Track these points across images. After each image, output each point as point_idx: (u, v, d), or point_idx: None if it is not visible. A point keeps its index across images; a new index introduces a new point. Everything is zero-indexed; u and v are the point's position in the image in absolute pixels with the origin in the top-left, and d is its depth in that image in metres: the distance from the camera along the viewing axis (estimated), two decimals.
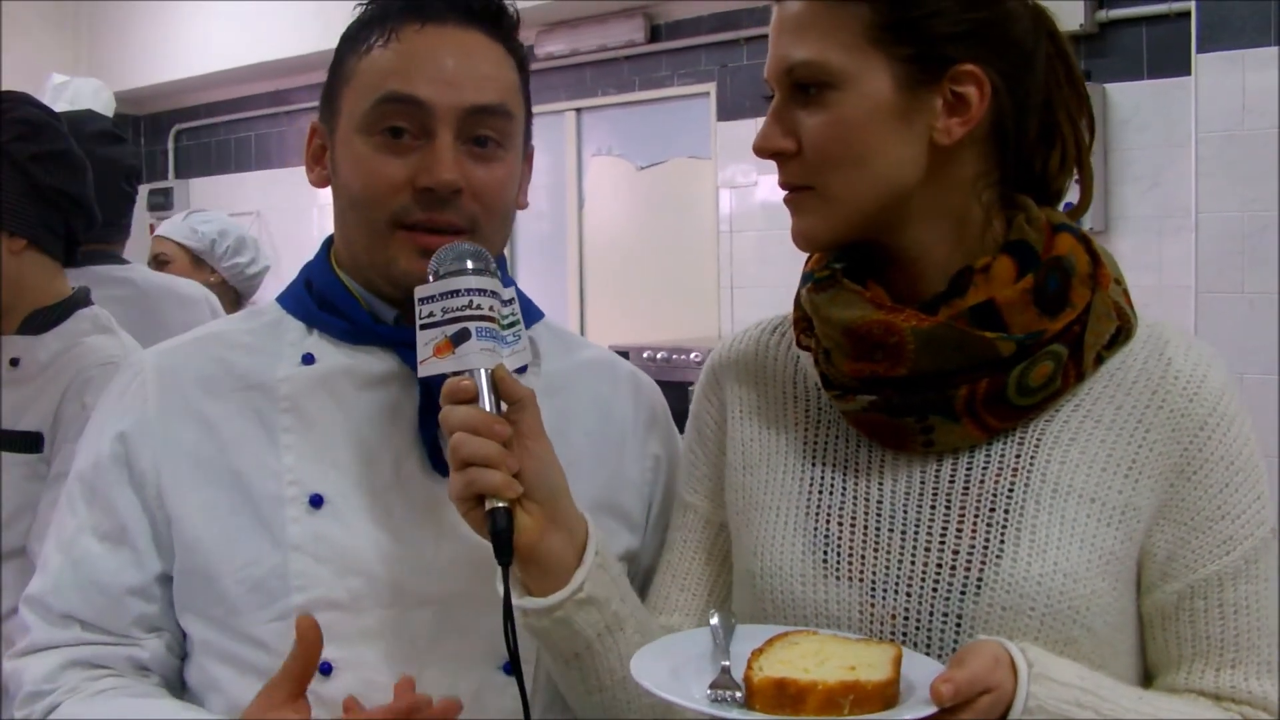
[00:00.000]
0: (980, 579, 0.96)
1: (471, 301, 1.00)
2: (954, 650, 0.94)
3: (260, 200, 6.23)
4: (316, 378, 1.14)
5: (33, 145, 1.75)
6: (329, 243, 1.21)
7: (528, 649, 1.05)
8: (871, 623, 0.99)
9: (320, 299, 1.17)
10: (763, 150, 1.01)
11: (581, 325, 5.03)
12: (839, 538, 1.02)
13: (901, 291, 1.02)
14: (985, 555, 0.96)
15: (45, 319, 1.78)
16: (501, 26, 1.15)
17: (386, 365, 1.14)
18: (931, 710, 0.82)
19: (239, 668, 1.07)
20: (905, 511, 1.01)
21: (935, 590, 0.97)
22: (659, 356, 4.11)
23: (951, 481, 1.00)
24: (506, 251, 1.21)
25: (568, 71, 4.95)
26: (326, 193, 1.19)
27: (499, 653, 1.00)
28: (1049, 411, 1.00)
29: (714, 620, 0.96)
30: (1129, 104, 3.53)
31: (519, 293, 1.17)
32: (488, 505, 0.97)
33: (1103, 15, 3.56)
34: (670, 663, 0.91)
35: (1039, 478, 0.98)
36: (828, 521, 1.03)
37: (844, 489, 1.04)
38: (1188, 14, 3.33)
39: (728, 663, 0.90)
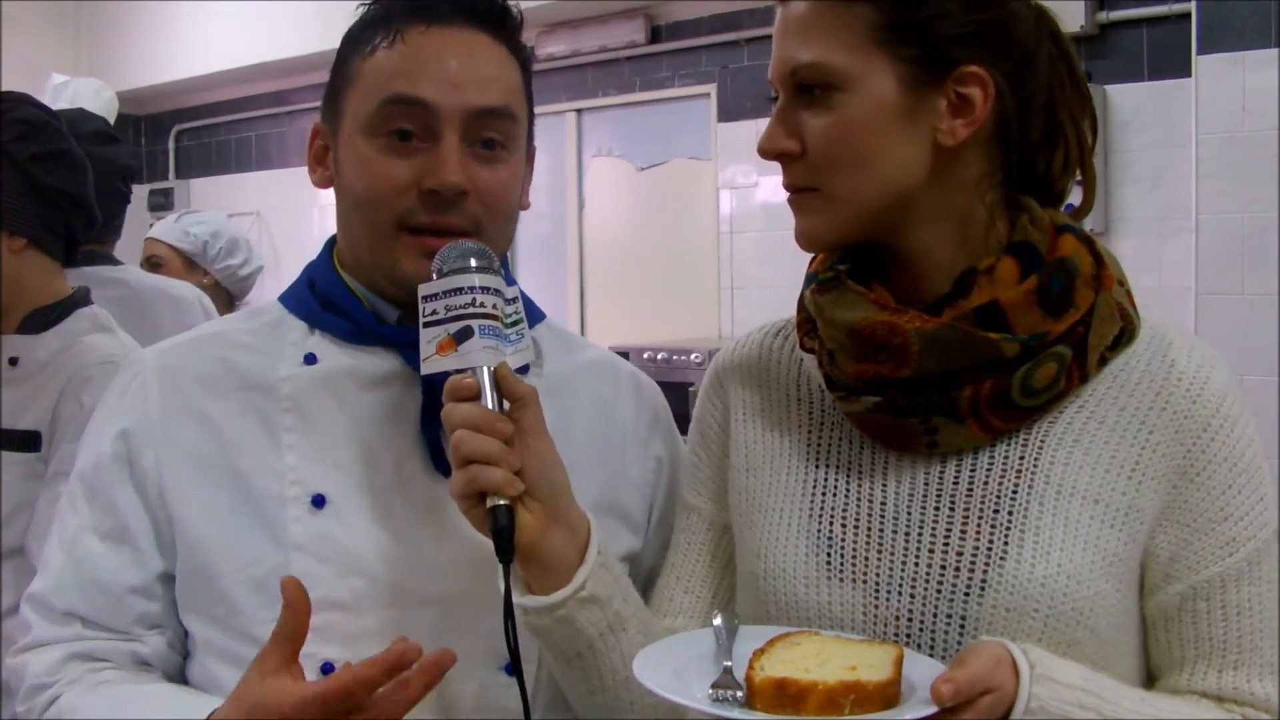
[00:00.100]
0: (984, 580, 0.96)
1: (475, 299, 1.00)
2: (958, 652, 0.94)
3: (261, 201, 6.23)
4: (319, 378, 1.14)
5: (33, 145, 1.75)
6: (332, 243, 1.21)
7: (529, 649, 1.05)
8: (875, 624, 0.99)
9: (323, 299, 1.17)
10: (767, 151, 1.01)
11: (581, 326, 5.03)
12: (842, 539, 1.02)
13: (905, 293, 1.02)
14: (989, 557, 0.96)
15: (44, 318, 1.78)
16: (505, 28, 1.15)
17: (389, 365, 1.14)
18: (932, 710, 0.82)
19: (241, 667, 1.06)
20: (909, 513, 1.01)
21: (939, 592, 0.97)
22: (659, 357, 4.11)
23: (955, 483, 1.00)
24: (508, 252, 1.21)
25: (568, 72, 4.95)
26: (327, 193, 1.19)
27: (501, 653, 1.00)
28: (1052, 413, 1.00)
29: (717, 621, 0.96)
30: (1129, 105, 3.53)
31: (521, 293, 1.17)
32: (489, 503, 0.97)
33: (1103, 16, 3.57)
34: (673, 663, 0.91)
35: (1043, 479, 0.98)
36: (831, 523, 1.03)
37: (847, 491, 1.04)
38: (1188, 15, 3.33)
39: (730, 663, 0.90)
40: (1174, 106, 3.42)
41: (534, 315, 1.23)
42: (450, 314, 1.00)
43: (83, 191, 1.83)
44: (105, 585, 1.11)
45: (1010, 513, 0.97)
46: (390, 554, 1.09)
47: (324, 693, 0.91)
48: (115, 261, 2.54)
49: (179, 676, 1.15)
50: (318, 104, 1.20)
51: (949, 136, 0.98)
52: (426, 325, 1.00)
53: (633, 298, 4.90)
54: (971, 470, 1.00)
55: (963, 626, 0.96)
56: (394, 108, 1.09)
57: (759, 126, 1.01)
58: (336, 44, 1.18)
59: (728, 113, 4.53)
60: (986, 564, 0.96)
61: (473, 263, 1.02)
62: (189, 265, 3.19)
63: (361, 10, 1.17)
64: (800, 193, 1.02)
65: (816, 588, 1.02)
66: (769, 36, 1.03)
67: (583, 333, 4.86)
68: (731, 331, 4.52)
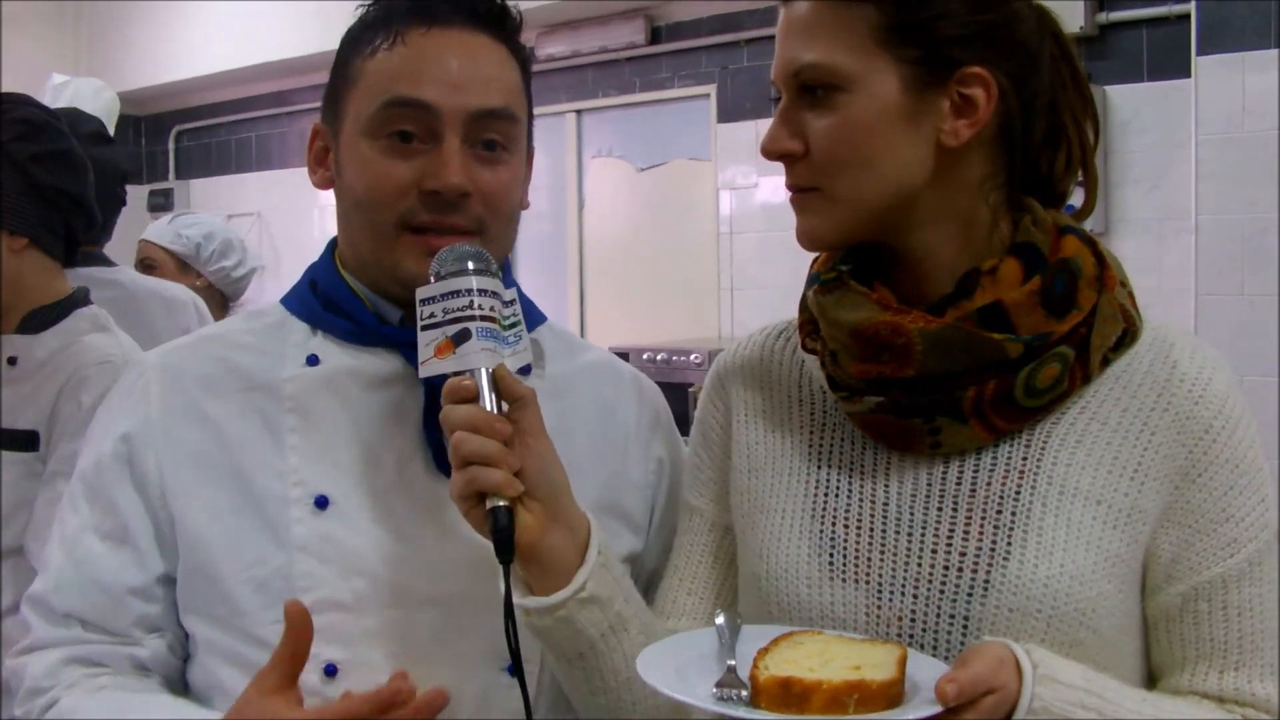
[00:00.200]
0: (987, 581, 0.96)
1: (472, 302, 1.00)
2: (960, 652, 0.94)
3: (261, 201, 6.24)
4: (321, 378, 1.14)
5: (34, 145, 1.75)
6: (333, 244, 1.21)
7: (531, 650, 1.05)
8: (878, 625, 0.99)
9: (325, 300, 1.17)
10: (770, 152, 1.01)
11: (581, 326, 5.03)
12: (845, 540, 1.02)
13: (907, 293, 1.02)
14: (992, 557, 0.96)
15: (44, 318, 1.79)
16: (505, 29, 1.16)
17: (391, 366, 1.14)
18: (936, 710, 0.82)
19: (244, 668, 1.07)
20: (911, 513, 1.01)
21: (942, 592, 0.97)
22: (659, 358, 4.11)
23: (958, 484, 1.00)
24: (508, 254, 1.21)
25: (568, 73, 4.95)
26: (327, 194, 1.19)
27: (503, 654, 1.00)
28: (1055, 414, 1.00)
29: (719, 620, 0.96)
30: (1129, 106, 3.53)
31: (522, 296, 1.17)
32: (489, 504, 0.97)
33: (1103, 17, 3.57)
34: (676, 662, 0.91)
35: (1045, 480, 0.98)
36: (833, 524, 1.03)
37: (850, 491, 1.04)
38: (1188, 16, 3.33)
39: (733, 662, 0.90)
40: (1174, 107, 3.42)
41: (535, 317, 1.23)
42: (448, 316, 1.00)
43: (83, 192, 1.83)
44: (105, 586, 1.11)
45: (1013, 513, 0.97)
46: (393, 554, 1.09)
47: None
48: (109, 263, 2.54)
49: (178, 681, 1.15)
50: (318, 104, 1.20)
51: (952, 137, 0.98)
52: (424, 328, 1.01)
53: (633, 298, 4.90)
54: (974, 471, 1.00)
55: (965, 627, 0.96)
56: (395, 109, 1.09)
57: (759, 127, 1.01)
58: (336, 44, 1.18)
59: (728, 113, 4.53)
60: (989, 564, 0.96)
61: (470, 265, 1.02)
62: (182, 267, 3.17)
63: (361, 11, 1.16)
64: (803, 192, 1.02)
65: (819, 588, 1.02)
66: (769, 37, 1.03)
67: (582, 333, 4.86)
68: (731, 332, 4.52)
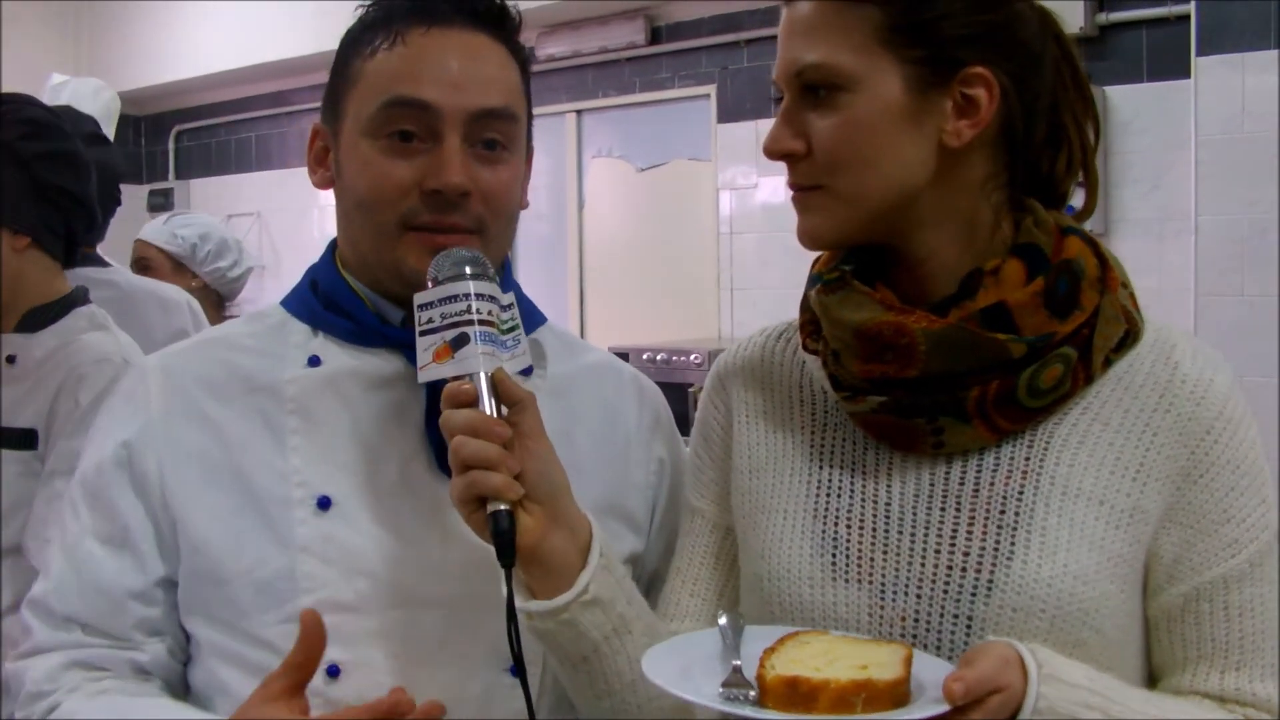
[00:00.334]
0: (990, 581, 0.96)
1: (470, 306, 1.00)
2: (964, 652, 0.94)
3: (261, 201, 6.24)
4: (323, 379, 1.14)
5: (38, 144, 1.76)
6: (334, 245, 1.21)
7: (533, 650, 1.05)
8: (881, 625, 0.99)
9: (326, 300, 1.17)
10: (773, 152, 1.01)
11: (581, 327, 5.03)
12: (847, 540, 1.02)
13: (908, 294, 1.02)
14: (995, 557, 0.97)
15: (42, 317, 1.79)
16: (505, 29, 1.16)
17: (393, 366, 1.14)
18: (943, 709, 0.82)
19: (247, 669, 1.07)
20: (914, 513, 1.01)
21: (945, 592, 0.97)
22: (659, 358, 4.11)
23: (961, 484, 1.00)
24: (508, 252, 1.21)
25: (569, 73, 4.95)
26: (327, 194, 1.19)
27: (505, 654, 1.00)
28: (1057, 414, 1.00)
29: (722, 621, 0.96)
30: (1129, 107, 3.53)
31: (523, 297, 1.17)
32: (489, 508, 0.96)
33: (1103, 18, 3.57)
34: (681, 662, 0.91)
35: (1048, 480, 0.98)
36: (836, 524, 1.03)
37: (852, 491, 1.04)
38: (1187, 17, 3.33)
39: (739, 662, 0.89)
40: (1174, 108, 3.42)
41: (535, 318, 1.23)
42: (446, 321, 1.00)
43: (86, 192, 1.84)
44: (106, 590, 1.11)
45: (1016, 513, 0.97)
46: (395, 555, 1.09)
47: None
48: (104, 263, 2.54)
49: (179, 685, 1.15)
50: (318, 104, 1.20)
51: (954, 137, 0.98)
52: (423, 334, 1.01)
53: (633, 298, 4.90)
54: (977, 471, 1.00)
55: (969, 627, 0.96)
56: (396, 109, 1.09)
57: (759, 127, 1.01)
58: (336, 44, 1.18)
59: (728, 114, 4.53)
60: (993, 564, 0.96)
61: (467, 270, 1.02)
62: (177, 268, 3.16)
63: (361, 12, 1.17)
64: (804, 191, 1.02)
65: (821, 588, 1.02)
66: (769, 37, 1.04)
67: (582, 334, 4.86)
68: (731, 332, 4.52)
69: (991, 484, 0.99)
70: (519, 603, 0.99)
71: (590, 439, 1.19)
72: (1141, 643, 1.01)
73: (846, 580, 1.01)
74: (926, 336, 0.97)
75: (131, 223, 3.41)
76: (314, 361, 1.15)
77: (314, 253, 1.24)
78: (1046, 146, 1.04)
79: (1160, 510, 0.98)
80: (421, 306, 1.01)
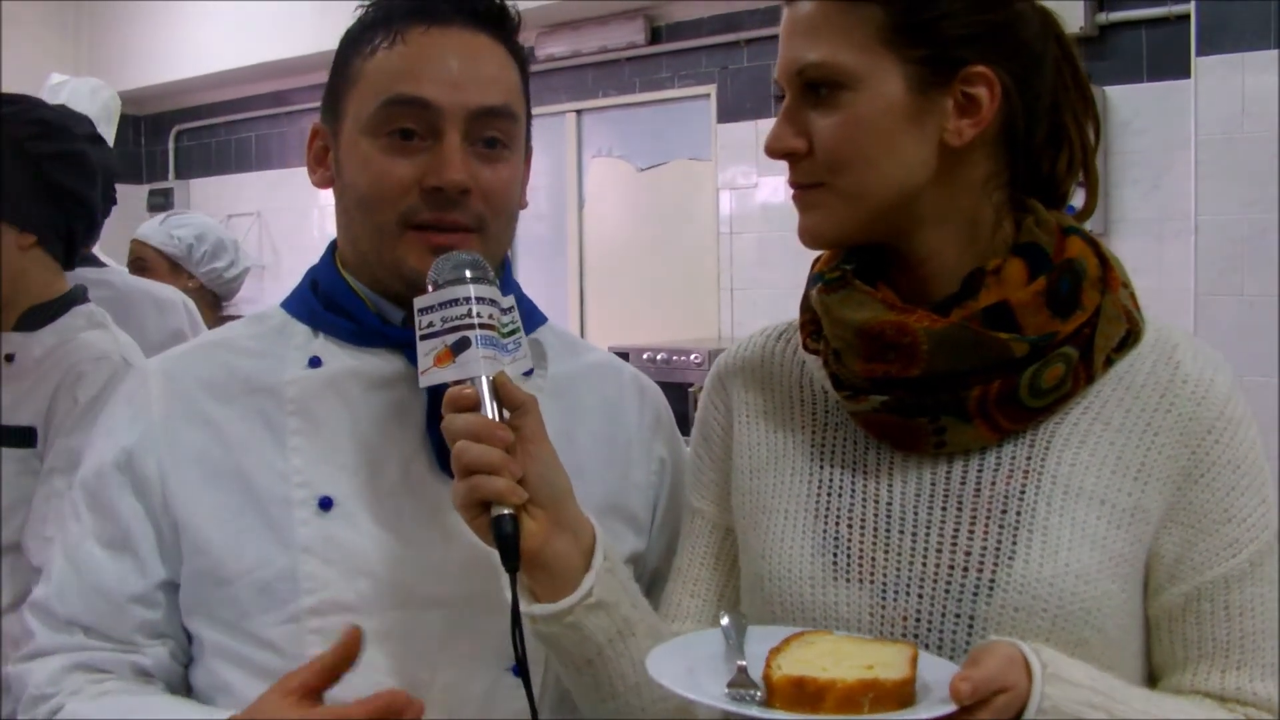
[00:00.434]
0: (992, 580, 0.96)
1: (471, 310, 1.00)
2: (966, 652, 0.94)
3: (261, 201, 6.24)
4: (324, 380, 1.14)
5: (48, 144, 1.77)
6: (334, 246, 1.21)
7: (535, 649, 1.05)
8: (882, 625, 0.99)
9: (326, 301, 1.17)
10: (774, 151, 1.01)
11: (581, 326, 5.03)
12: (849, 540, 1.02)
13: (910, 293, 1.02)
14: (997, 557, 0.97)
15: (41, 315, 1.80)
16: (504, 28, 1.16)
17: (394, 367, 1.14)
18: (950, 709, 0.82)
19: (249, 670, 1.07)
20: (915, 513, 1.01)
21: (947, 592, 0.97)
22: (659, 358, 4.11)
23: (962, 483, 1.00)
24: (507, 253, 1.21)
25: (568, 73, 4.95)
26: (327, 193, 1.19)
27: (508, 654, 1.00)
28: (1059, 414, 1.00)
29: (724, 621, 0.96)
30: (1129, 107, 3.53)
31: (523, 297, 1.17)
32: (493, 512, 0.96)
33: (1102, 18, 3.57)
34: (685, 662, 0.91)
35: (1049, 479, 0.98)
36: (837, 524, 1.03)
37: (853, 491, 1.04)
38: (1187, 17, 3.33)
39: (744, 662, 0.89)
40: (1173, 108, 3.42)
41: (535, 318, 1.23)
42: (447, 325, 1.00)
43: (90, 194, 1.85)
44: (107, 593, 1.11)
45: (1018, 513, 0.97)
46: (397, 556, 1.09)
47: None
48: (99, 263, 2.54)
49: (180, 687, 1.15)
50: (318, 104, 1.20)
51: (955, 137, 0.98)
52: (423, 338, 1.00)
53: (633, 298, 4.90)
54: (979, 470, 1.00)
55: (970, 626, 0.96)
56: (396, 108, 1.09)
57: (759, 127, 1.01)
58: (336, 44, 1.18)
59: (728, 113, 4.53)
60: (995, 564, 0.96)
61: (467, 274, 1.02)
62: (173, 268, 3.15)
63: (361, 11, 1.17)
64: (805, 190, 1.02)
65: (823, 588, 1.02)
66: (769, 37, 1.04)
67: (582, 333, 4.86)
68: (731, 332, 4.52)
69: (993, 483, 0.99)
70: (523, 606, 0.99)
71: (591, 439, 1.19)
72: (1142, 642, 1.01)
73: (848, 580, 1.01)
74: (929, 336, 0.97)
75: (131, 222, 3.40)
76: (315, 362, 1.15)
77: (314, 253, 1.24)
78: (1047, 146, 1.04)
79: (1161, 510, 0.98)
80: (422, 310, 1.01)
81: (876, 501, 1.03)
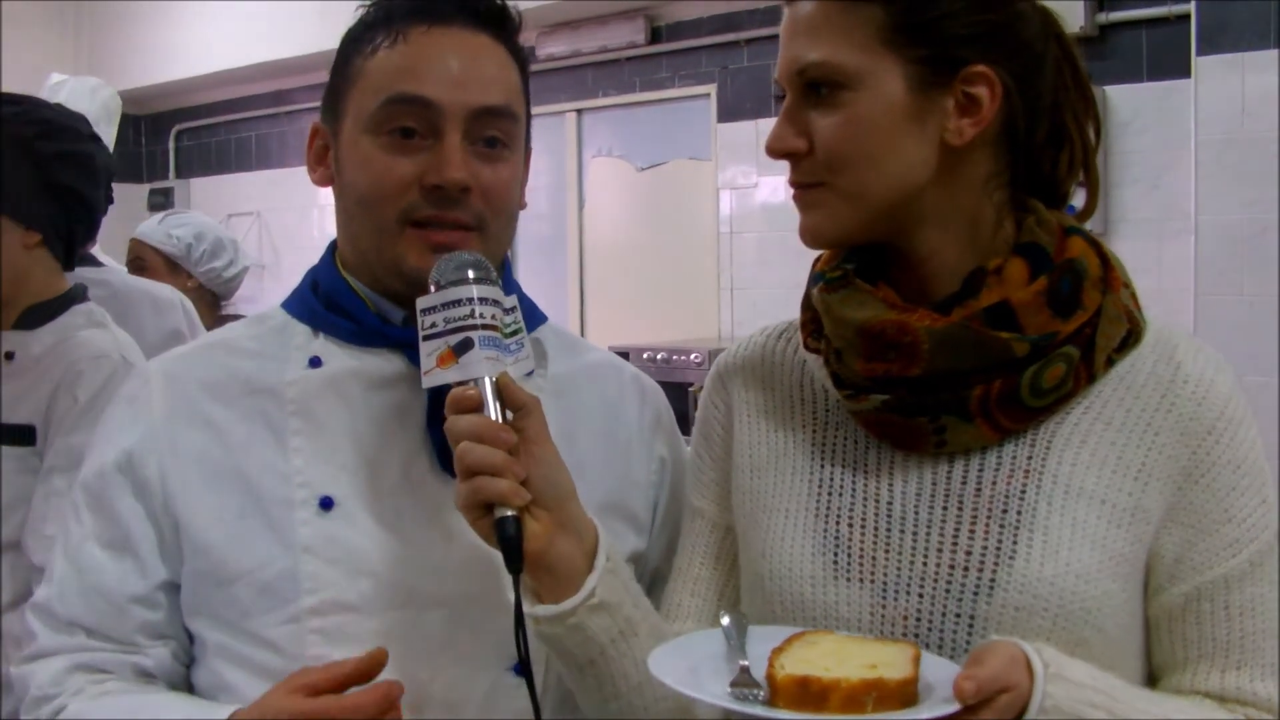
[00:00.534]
0: (993, 580, 0.96)
1: (474, 311, 1.00)
2: (966, 651, 0.94)
3: (261, 201, 6.24)
4: (324, 380, 1.14)
5: (56, 144, 1.78)
6: (334, 246, 1.21)
7: (537, 648, 1.05)
8: (883, 624, 0.99)
9: (327, 301, 1.17)
10: (775, 150, 1.01)
11: (581, 326, 5.03)
12: (849, 539, 1.02)
13: (910, 292, 1.02)
14: (998, 556, 0.97)
15: (40, 314, 1.80)
16: (505, 29, 1.16)
17: (394, 367, 1.14)
18: (953, 708, 0.82)
19: (251, 670, 1.07)
20: (916, 512, 1.01)
21: (948, 591, 0.97)
22: (659, 357, 4.12)
23: (963, 483, 1.00)
24: (507, 253, 1.21)
25: (568, 73, 4.96)
26: (327, 193, 1.19)
27: (509, 654, 1.00)
28: (1060, 413, 1.00)
29: (725, 621, 0.96)
30: (1129, 107, 3.53)
31: (523, 296, 1.17)
32: (496, 513, 0.96)
33: (1102, 18, 3.57)
34: (688, 662, 0.91)
35: (1050, 479, 0.98)
36: (838, 523, 1.03)
37: (854, 490, 1.04)
38: (1187, 16, 3.33)
39: (745, 661, 0.90)
40: (1173, 108, 3.42)
41: (535, 318, 1.23)
42: (449, 326, 1.00)
43: (94, 194, 1.85)
44: (108, 594, 1.11)
45: (1019, 512, 0.98)
46: (398, 555, 1.09)
47: (303, 710, 0.95)
48: (96, 262, 2.54)
49: (183, 688, 1.15)
50: (317, 104, 1.20)
51: (956, 136, 0.98)
52: (426, 338, 1.00)
53: (633, 298, 4.90)
54: (979, 470, 1.00)
55: (971, 626, 0.96)
56: (398, 106, 1.10)
57: (759, 127, 1.02)
58: (336, 44, 1.18)
59: (728, 113, 4.53)
60: (995, 563, 0.96)
61: (470, 274, 1.02)
62: (172, 268, 3.14)
63: (361, 11, 1.17)
64: (806, 189, 1.02)
65: (824, 587, 1.02)
66: (769, 37, 1.04)
67: (583, 333, 4.86)
68: (731, 332, 4.52)
69: (994, 483, 0.99)
70: (525, 607, 0.99)
71: (592, 438, 1.19)
72: (1142, 642, 1.01)
73: (848, 579, 1.01)
74: (930, 335, 0.97)
75: (131, 222, 3.40)
76: (315, 363, 1.15)
77: (314, 252, 1.24)
78: (1048, 146, 1.04)
79: (1162, 509, 0.98)
80: (424, 311, 1.01)
81: (877, 501, 1.03)
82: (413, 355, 1.09)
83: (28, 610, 1.16)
